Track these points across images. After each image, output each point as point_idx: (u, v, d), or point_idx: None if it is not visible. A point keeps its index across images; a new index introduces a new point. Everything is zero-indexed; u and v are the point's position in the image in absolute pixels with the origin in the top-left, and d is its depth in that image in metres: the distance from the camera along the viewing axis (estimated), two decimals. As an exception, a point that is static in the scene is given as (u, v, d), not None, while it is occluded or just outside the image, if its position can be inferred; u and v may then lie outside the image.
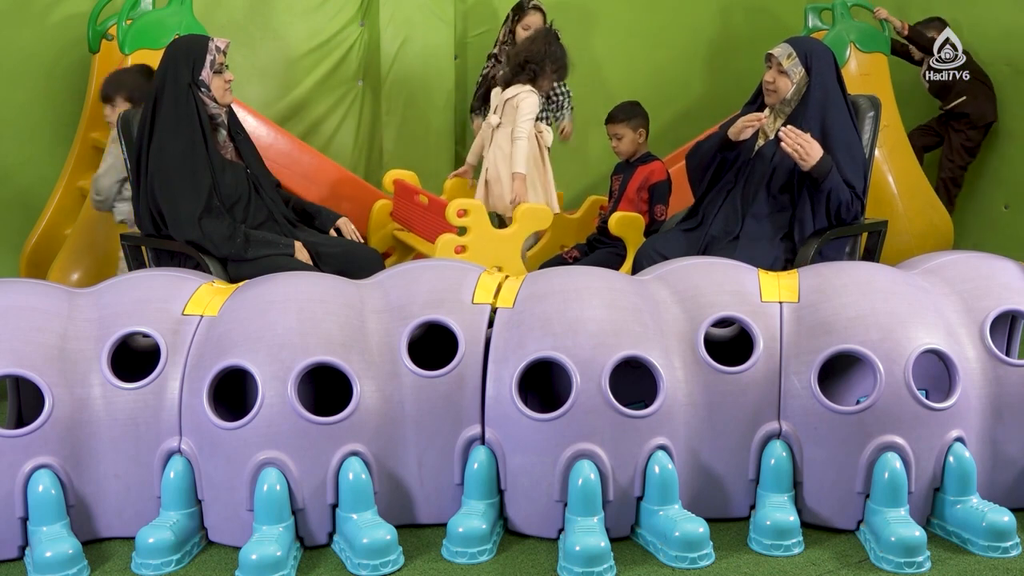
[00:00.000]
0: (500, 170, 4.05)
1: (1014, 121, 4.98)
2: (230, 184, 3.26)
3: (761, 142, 3.43)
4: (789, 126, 3.21)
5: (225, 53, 3.30)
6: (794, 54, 3.31)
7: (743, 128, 3.31)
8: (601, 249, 4.13)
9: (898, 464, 2.34)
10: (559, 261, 4.24)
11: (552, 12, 5.40)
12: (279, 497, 2.28)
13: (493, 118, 4.14)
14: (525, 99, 4.05)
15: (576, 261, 4.19)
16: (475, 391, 2.43)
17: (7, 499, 2.27)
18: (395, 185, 4.30)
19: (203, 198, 3.15)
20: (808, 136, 3.18)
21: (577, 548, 2.20)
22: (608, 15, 5.59)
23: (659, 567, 2.29)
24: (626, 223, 3.98)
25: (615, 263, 3.97)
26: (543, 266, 4.26)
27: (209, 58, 3.24)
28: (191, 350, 2.43)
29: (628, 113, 4.18)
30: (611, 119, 4.21)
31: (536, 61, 4.09)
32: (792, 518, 2.35)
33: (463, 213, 3.76)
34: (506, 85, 4.15)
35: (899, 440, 2.35)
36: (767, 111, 3.38)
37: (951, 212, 4.99)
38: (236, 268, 3.17)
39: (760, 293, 2.56)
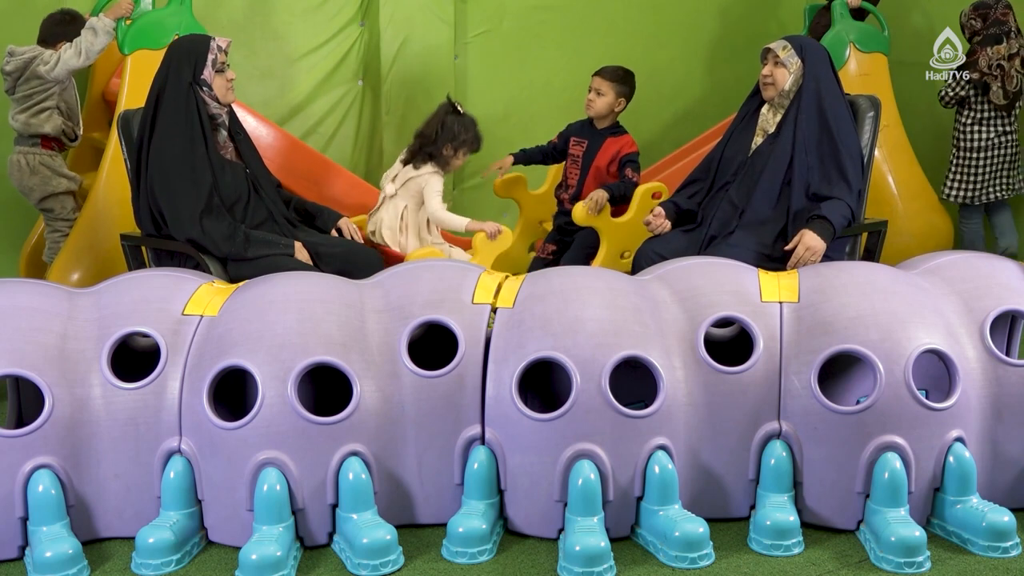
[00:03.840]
0: (386, 238, 3.96)
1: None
2: (230, 184, 3.26)
3: (759, 140, 3.44)
4: (788, 266, 3.16)
5: (227, 52, 3.31)
6: (789, 46, 3.35)
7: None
8: (577, 233, 4.09)
9: (898, 464, 2.34)
10: (541, 262, 4.22)
11: (551, 13, 5.42)
12: (279, 497, 2.28)
13: (389, 187, 4.04)
14: (428, 181, 3.96)
15: (555, 255, 4.18)
16: (475, 391, 2.43)
17: (7, 499, 2.27)
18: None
19: (203, 197, 3.15)
20: (798, 256, 3.13)
21: (577, 548, 2.20)
22: (608, 15, 5.59)
23: (659, 567, 2.29)
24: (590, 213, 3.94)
25: (595, 241, 3.96)
26: (530, 268, 4.26)
27: (211, 57, 3.24)
28: (191, 350, 2.43)
29: (620, 78, 4.14)
30: (601, 73, 4.15)
31: (428, 144, 4.00)
32: (792, 518, 2.35)
33: None
34: (407, 162, 4.06)
35: (899, 440, 2.35)
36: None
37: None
38: (236, 268, 3.17)
39: (760, 293, 2.56)
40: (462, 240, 4.24)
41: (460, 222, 3.93)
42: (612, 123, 4.17)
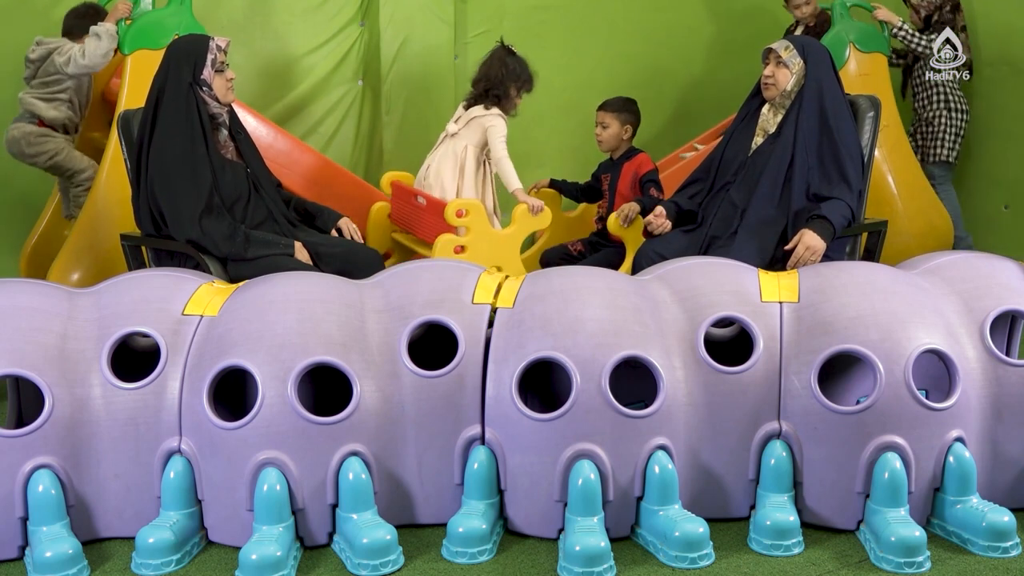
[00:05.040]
0: (444, 178, 4.03)
1: (1014, 121, 4.98)
2: (230, 183, 3.26)
3: (759, 140, 3.44)
4: (788, 266, 3.17)
5: (226, 52, 3.31)
6: (792, 46, 3.35)
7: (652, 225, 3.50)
8: (603, 250, 4.15)
9: (898, 464, 2.34)
10: (564, 252, 4.27)
11: (551, 12, 5.42)
12: (279, 497, 2.28)
13: (452, 126, 4.13)
14: (493, 124, 4.05)
15: (580, 254, 4.22)
16: (475, 391, 2.43)
17: (7, 499, 2.27)
18: (392, 187, 4.30)
19: (203, 197, 3.15)
20: (797, 255, 3.14)
21: (577, 548, 2.20)
22: (608, 15, 5.59)
23: (659, 567, 2.29)
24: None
25: (616, 263, 3.99)
26: (547, 253, 4.31)
27: (210, 57, 3.24)
28: (191, 350, 2.43)
29: (620, 107, 4.21)
30: (603, 107, 4.24)
31: (496, 86, 4.09)
32: (792, 518, 2.35)
33: (463, 213, 3.75)
34: (471, 104, 4.15)
35: (899, 440, 2.35)
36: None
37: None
38: (236, 268, 3.17)
39: (760, 293, 2.56)
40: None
41: (513, 182, 4.01)
42: (627, 150, 4.24)
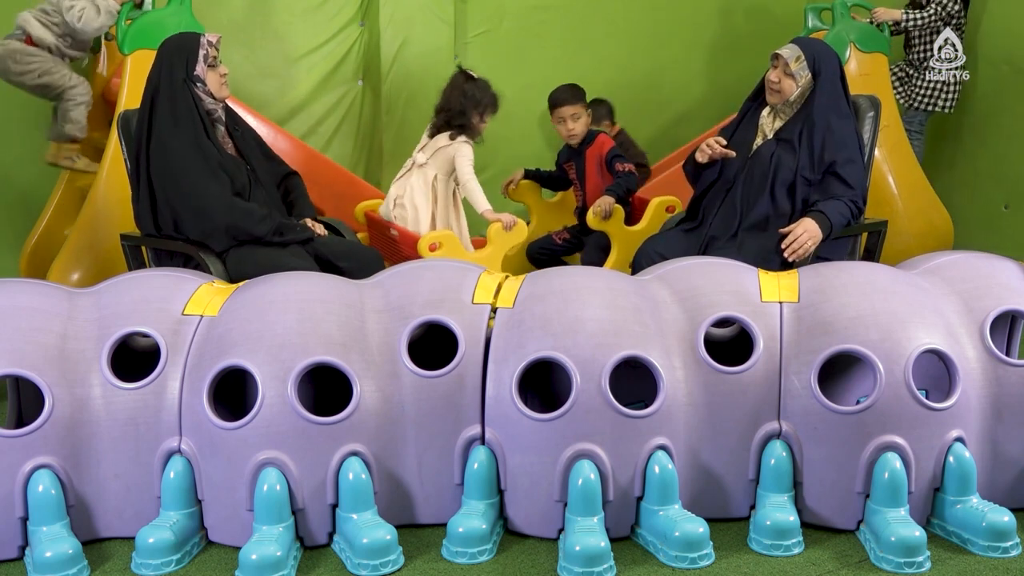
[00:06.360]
0: (418, 206, 3.98)
1: (1014, 121, 4.97)
2: (234, 178, 3.25)
3: (759, 141, 3.43)
4: (783, 245, 3.14)
5: (217, 47, 3.30)
6: (802, 57, 3.30)
7: (703, 152, 3.40)
8: (592, 233, 4.17)
9: (898, 464, 2.34)
10: (549, 243, 4.28)
11: (551, 12, 5.42)
12: (279, 497, 2.28)
13: (420, 156, 4.09)
14: (459, 151, 4.00)
15: (566, 243, 4.25)
16: (475, 391, 2.43)
17: (7, 499, 2.27)
18: (367, 218, 4.24)
19: (226, 183, 3.15)
20: (796, 235, 3.12)
21: (577, 548, 2.20)
22: (608, 15, 5.59)
23: (659, 567, 2.29)
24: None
25: (607, 245, 4.03)
26: (532, 245, 4.35)
27: (201, 52, 3.24)
28: (191, 350, 2.43)
29: (579, 95, 4.19)
30: (563, 102, 4.19)
31: (457, 116, 4.04)
32: (792, 518, 2.35)
33: (436, 246, 3.71)
34: (435, 132, 4.12)
35: (899, 440, 2.35)
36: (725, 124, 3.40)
37: None
38: (237, 267, 3.16)
39: (760, 293, 2.56)
40: (478, 240, 4.27)
41: (482, 203, 3.97)
42: (586, 135, 4.25)
